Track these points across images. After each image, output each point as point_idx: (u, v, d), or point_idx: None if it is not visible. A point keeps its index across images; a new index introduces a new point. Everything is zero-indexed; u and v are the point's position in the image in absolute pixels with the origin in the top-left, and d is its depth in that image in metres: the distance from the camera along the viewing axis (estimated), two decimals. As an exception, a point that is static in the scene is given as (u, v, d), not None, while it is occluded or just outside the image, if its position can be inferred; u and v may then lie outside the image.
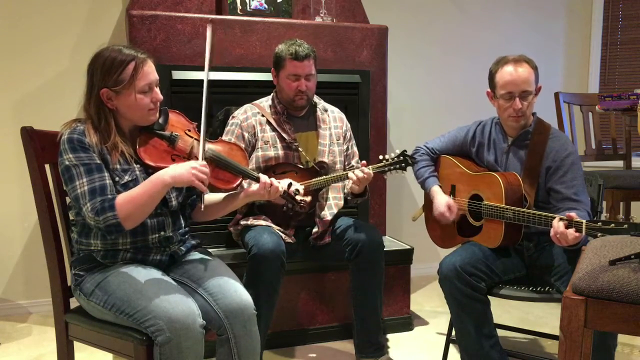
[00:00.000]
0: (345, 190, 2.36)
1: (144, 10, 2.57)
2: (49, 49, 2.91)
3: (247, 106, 2.37)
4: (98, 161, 1.60)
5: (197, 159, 1.72)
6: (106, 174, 1.60)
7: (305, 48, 2.23)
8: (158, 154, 1.68)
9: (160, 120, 1.73)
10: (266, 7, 2.82)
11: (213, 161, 1.71)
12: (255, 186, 1.80)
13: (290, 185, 1.86)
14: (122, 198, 1.56)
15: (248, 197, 1.82)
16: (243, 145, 2.26)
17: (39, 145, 1.71)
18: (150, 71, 1.65)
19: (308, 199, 2.07)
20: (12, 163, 2.90)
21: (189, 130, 1.79)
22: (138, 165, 1.68)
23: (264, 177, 1.79)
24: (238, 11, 2.76)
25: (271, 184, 1.78)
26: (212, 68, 2.58)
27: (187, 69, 2.57)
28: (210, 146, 1.75)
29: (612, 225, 1.59)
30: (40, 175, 1.71)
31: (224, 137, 2.28)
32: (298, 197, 1.88)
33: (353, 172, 2.13)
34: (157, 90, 1.69)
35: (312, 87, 2.31)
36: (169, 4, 2.71)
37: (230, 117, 2.36)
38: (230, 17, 2.67)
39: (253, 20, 2.69)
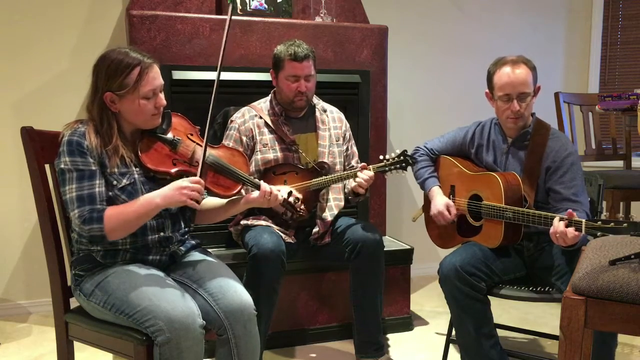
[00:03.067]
0: (346, 190, 2.36)
1: (144, 10, 2.57)
2: (49, 49, 2.91)
3: (244, 109, 2.37)
4: (93, 167, 1.59)
5: (198, 163, 1.71)
6: (97, 182, 1.59)
7: (304, 49, 2.23)
8: (159, 158, 1.68)
9: (163, 124, 1.73)
10: (266, 7, 2.82)
11: (214, 167, 1.71)
12: (255, 193, 1.80)
13: (290, 193, 1.86)
14: (111, 211, 1.56)
15: (248, 203, 1.82)
16: (242, 150, 2.26)
17: (39, 145, 1.71)
18: (155, 77, 1.65)
19: (300, 195, 2.08)
20: (12, 163, 2.90)
21: (192, 135, 1.78)
22: (137, 169, 1.68)
23: (264, 186, 1.79)
24: (238, 11, 2.76)
25: (271, 192, 1.79)
26: (214, 68, 2.60)
27: (187, 69, 2.57)
28: (211, 152, 1.74)
29: (612, 224, 1.59)
30: (40, 175, 1.70)
31: (224, 142, 2.28)
32: (297, 205, 1.89)
33: (356, 175, 2.13)
34: (162, 95, 1.68)
35: (312, 87, 2.31)
36: (169, 4, 2.72)
37: (229, 121, 2.36)
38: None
39: (253, 20, 2.69)
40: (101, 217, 1.54)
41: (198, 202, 1.60)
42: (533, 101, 2.05)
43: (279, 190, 1.83)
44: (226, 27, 1.72)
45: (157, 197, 1.58)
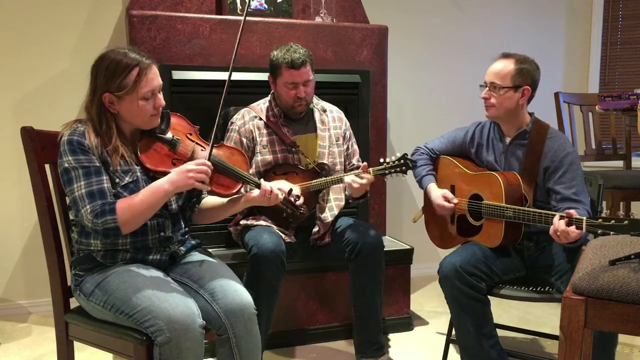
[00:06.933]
0: (347, 192, 2.36)
1: (144, 10, 2.57)
2: (49, 49, 2.91)
3: (244, 111, 2.37)
4: (97, 164, 1.59)
5: None
6: (104, 177, 1.60)
7: (301, 54, 2.20)
8: (159, 158, 1.68)
9: (162, 124, 1.73)
10: (266, 7, 2.82)
11: (214, 166, 1.71)
12: (255, 192, 1.80)
13: (290, 191, 1.86)
14: (122, 203, 1.56)
15: (248, 202, 1.82)
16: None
17: (39, 145, 1.71)
18: (153, 77, 1.64)
19: (299, 190, 2.07)
20: (12, 163, 2.90)
21: (190, 134, 1.78)
22: (139, 167, 1.68)
23: (264, 184, 1.79)
24: (238, 11, 2.76)
25: (271, 191, 1.78)
26: (214, 68, 2.60)
27: (187, 69, 2.57)
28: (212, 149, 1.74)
29: (613, 221, 1.58)
30: (40, 175, 1.70)
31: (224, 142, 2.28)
32: (298, 203, 1.88)
33: (355, 177, 2.13)
34: (160, 95, 1.68)
35: (311, 92, 2.30)
36: (169, 4, 2.72)
37: (229, 123, 2.36)
38: (230, 17, 2.67)
39: (253, 20, 2.69)
40: (114, 210, 1.54)
41: (205, 183, 1.61)
42: (510, 97, 2.04)
43: (280, 189, 1.83)
44: (240, 27, 1.72)
45: (165, 183, 1.58)
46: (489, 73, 2.08)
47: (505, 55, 2.08)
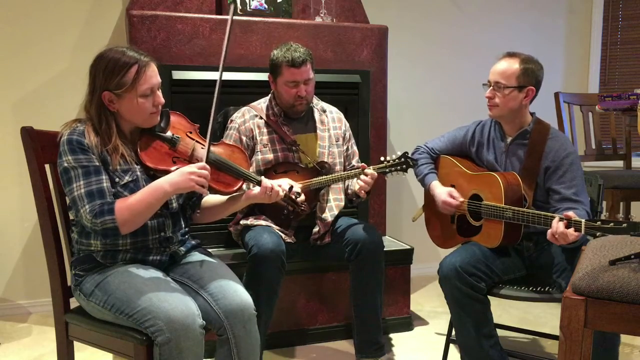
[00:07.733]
0: (349, 191, 2.36)
1: (144, 10, 2.57)
2: (49, 49, 2.91)
3: (244, 109, 2.37)
4: (97, 163, 1.59)
5: (197, 161, 1.71)
6: (104, 177, 1.60)
7: (301, 53, 2.20)
8: (159, 156, 1.68)
9: (162, 123, 1.73)
10: (266, 7, 2.81)
11: (214, 164, 1.70)
12: (256, 189, 1.80)
13: (291, 188, 1.86)
14: (121, 203, 1.56)
15: (249, 199, 1.82)
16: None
17: (39, 145, 1.71)
18: (152, 75, 1.65)
19: (300, 187, 2.08)
20: (12, 163, 2.90)
21: (190, 132, 1.78)
22: (139, 166, 1.68)
23: (265, 181, 1.79)
24: (238, 11, 2.76)
25: (272, 188, 1.78)
26: (214, 68, 2.60)
27: (187, 69, 2.57)
28: (212, 149, 1.75)
29: (611, 224, 1.59)
30: (40, 175, 1.71)
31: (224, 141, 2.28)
32: (299, 200, 1.88)
33: (359, 178, 2.13)
34: (159, 93, 1.68)
35: (311, 91, 2.30)
36: (169, 4, 2.72)
37: (229, 121, 2.36)
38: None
39: (253, 20, 2.69)
40: (112, 209, 1.54)
41: (204, 187, 1.61)
42: (513, 97, 2.03)
43: (280, 185, 1.83)
44: (228, 27, 1.72)
45: (165, 183, 1.58)
46: (493, 72, 2.06)
47: (510, 55, 2.06)
